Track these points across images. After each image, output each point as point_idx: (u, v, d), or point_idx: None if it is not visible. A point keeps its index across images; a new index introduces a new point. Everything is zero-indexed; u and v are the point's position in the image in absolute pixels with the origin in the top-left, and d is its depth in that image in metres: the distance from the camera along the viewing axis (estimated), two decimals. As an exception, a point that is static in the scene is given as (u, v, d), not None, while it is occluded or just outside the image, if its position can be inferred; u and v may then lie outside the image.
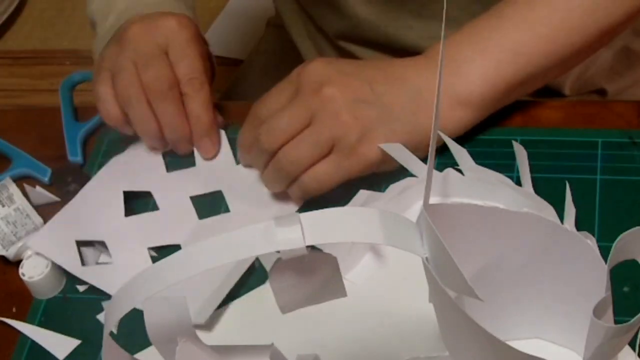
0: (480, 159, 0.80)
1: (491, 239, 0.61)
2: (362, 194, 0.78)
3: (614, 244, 0.55)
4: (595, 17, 0.80)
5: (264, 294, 0.76)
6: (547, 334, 0.68)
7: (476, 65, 0.79)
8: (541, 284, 0.64)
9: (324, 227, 0.53)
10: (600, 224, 0.75)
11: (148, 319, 0.55)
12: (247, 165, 0.85)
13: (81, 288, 0.80)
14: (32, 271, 0.79)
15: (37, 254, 0.80)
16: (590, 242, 0.59)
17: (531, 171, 0.77)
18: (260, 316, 0.75)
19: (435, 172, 0.79)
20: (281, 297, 0.59)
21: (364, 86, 0.78)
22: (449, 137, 0.79)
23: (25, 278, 0.79)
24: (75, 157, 0.90)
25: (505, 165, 0.79)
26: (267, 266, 0.76)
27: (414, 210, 0.78)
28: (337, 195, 0.79)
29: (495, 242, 0.61)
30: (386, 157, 0.78)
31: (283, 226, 0.52)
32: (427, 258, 0.54)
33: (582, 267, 0.60)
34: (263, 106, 0.80)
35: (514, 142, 0.79)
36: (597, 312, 0.54)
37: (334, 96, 0.77)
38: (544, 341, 0.68)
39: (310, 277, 0.58)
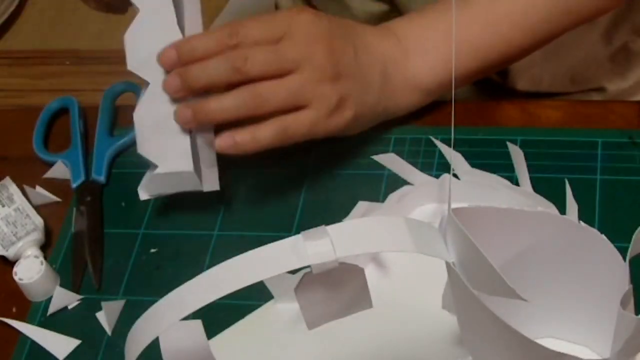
0: (481, 159, 0.80)
1: (508, 240, 0.61)
2: (362, 205, 0.78)
3: (633, 237, 0.55)
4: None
5: (269, 311, 0.75)
6: (559, 332, 0.68)
7: (440, 53, 0.82)
8: (557, 281, 0.64)
9: (353, 238, 0.52)
10: (600, 224, 0.75)
11: (164, 345, 0.53)
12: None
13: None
14: (25, 274, 0.79)
15: (36, 256, 0.80)
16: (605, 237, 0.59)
17: (531, 171, 0.77)
18: (268, 334, 0.74)
19: (431, 179, 0.79)
20: (309, 312, 0.58)
21: (347, 53, 0.79)
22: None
23: (16, 278, 0.79)
24: (99, 175, 0.86)
25: (505, 166, 0.79)
26: (272, 288, 0.75)
27: (414, 217, 0.78)
28: (335, 207, 0.79)
29: (512, 243, 0.61)
30: (352, 124, 0.80)
31: (312, 240, 0.52)
32: (453, 262, 0.54)
33: (597, 262, 0.60)
34: (247, 30, 0.77)
35: (508, 144, 0.78)
36: (623, 304, 0.54)
37: (321, 62, 0.77)
38: (557, 340, 0.68)
39: (339, 290, 0.57)
